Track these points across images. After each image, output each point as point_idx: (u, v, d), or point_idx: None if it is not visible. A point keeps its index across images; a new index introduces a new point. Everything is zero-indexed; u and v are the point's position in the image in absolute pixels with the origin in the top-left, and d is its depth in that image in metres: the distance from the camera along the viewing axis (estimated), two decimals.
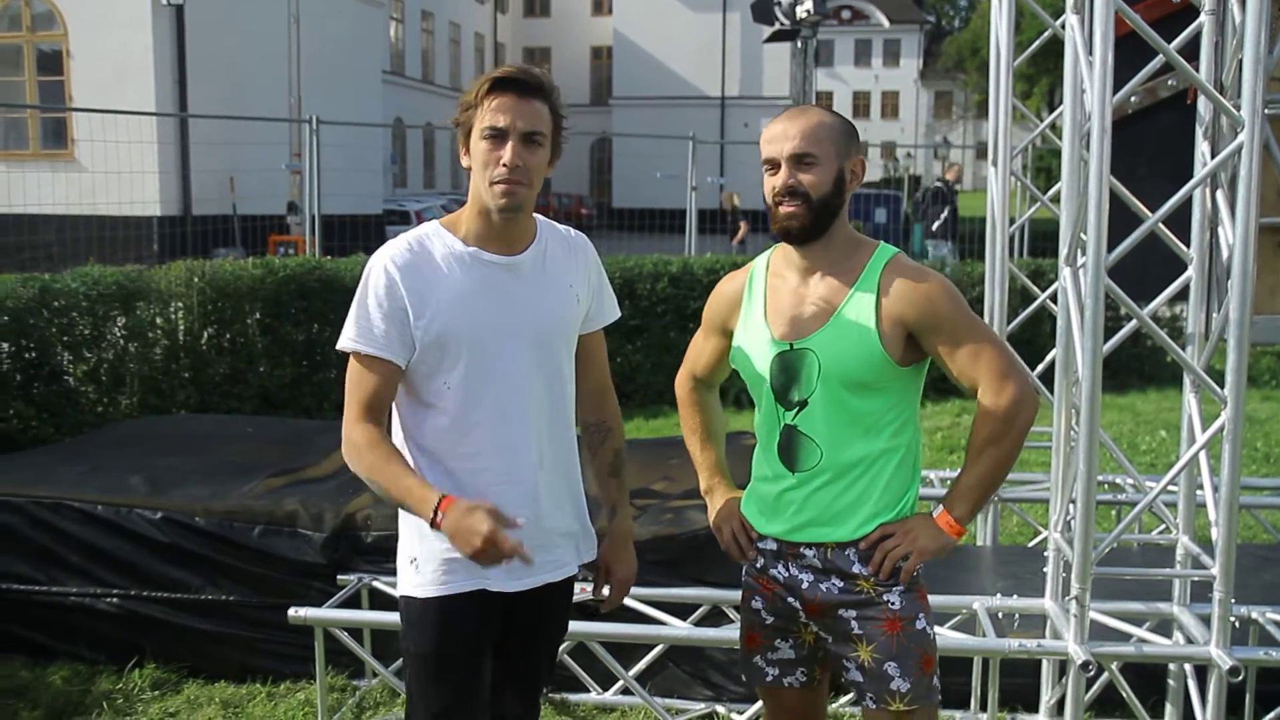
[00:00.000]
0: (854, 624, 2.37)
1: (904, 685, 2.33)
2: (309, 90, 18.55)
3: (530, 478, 2.38)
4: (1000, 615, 3.62)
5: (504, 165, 2.26)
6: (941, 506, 2.40)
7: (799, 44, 16.19)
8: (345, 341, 2.32)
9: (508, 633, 2.46)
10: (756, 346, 2.44)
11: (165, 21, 18.77)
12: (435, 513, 2.13)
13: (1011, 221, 4.70)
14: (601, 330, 2.56)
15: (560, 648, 2.80)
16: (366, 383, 2.30)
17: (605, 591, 2.60)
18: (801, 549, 2.41)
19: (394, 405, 2.38)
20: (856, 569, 2.37)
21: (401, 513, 2.37)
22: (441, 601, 2.33)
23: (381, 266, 2.30)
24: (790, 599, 2.44)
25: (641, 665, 3.76)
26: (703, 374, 2.69)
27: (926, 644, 2.38)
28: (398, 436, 2.39)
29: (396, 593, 2.44)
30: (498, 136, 2.26)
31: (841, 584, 2.38)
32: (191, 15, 18.91)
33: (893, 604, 2.36)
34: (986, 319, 4.61)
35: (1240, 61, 3.02)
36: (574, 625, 3.50)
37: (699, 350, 2.67)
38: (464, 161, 2.34)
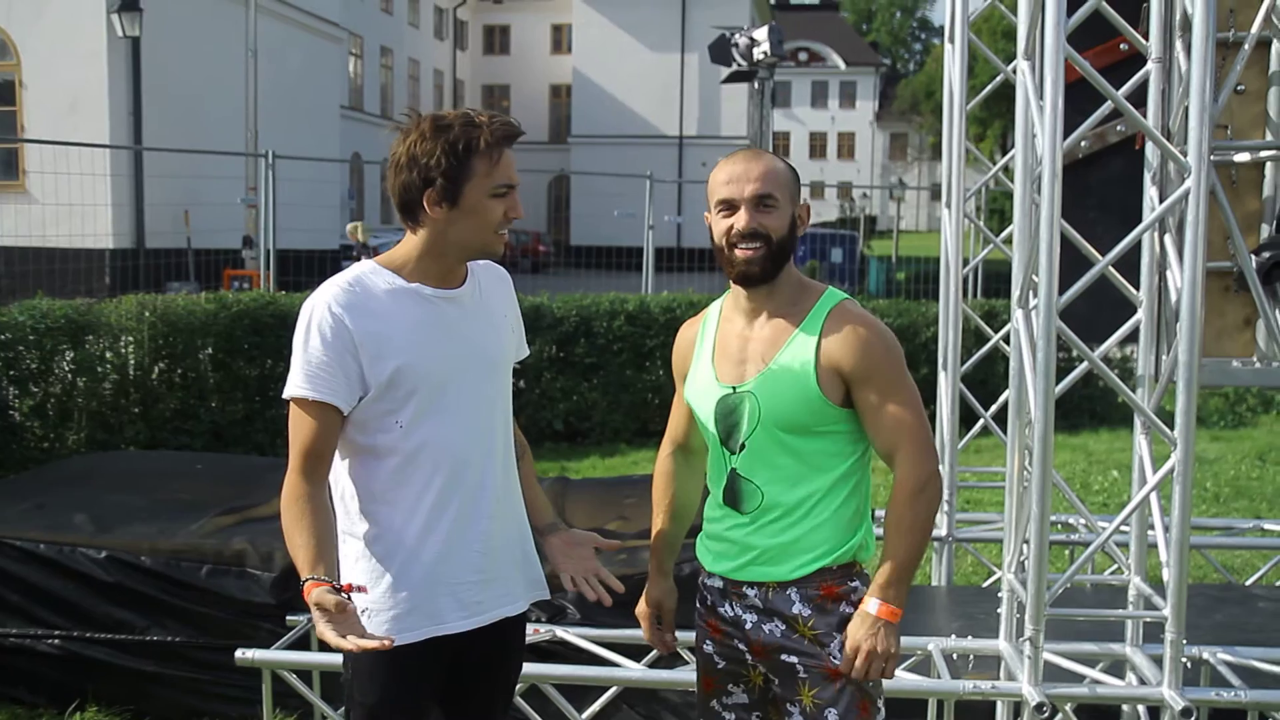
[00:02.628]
0: (799, 667, 2.37)
1: None
2: (266, 124, 18.46)
3: (486, 509, 2.36)
4: (955, 656, 3.62)
5: (515, 215, 2.32)
6: (879, 600, 2.30)
7: (756, 85, 16.40)
8: (292, 389, 2.25)
9: (459, 674, 2.42)
10: (703, 391, 2.44)
11: (120, 53, 18.63)
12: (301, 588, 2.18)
13: (965, 263, 4.75)
14: None
15: (516, 685, 2.75)
16: (309, 430, 2.24)
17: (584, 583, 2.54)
18: (744, 588, 2.42)
19: (339, 450, 2.31)
20: (796, 609, 2.37)
21: (351, 557, 2.33)
22: (393, 653, 2.26)
23: (325, 308, 2.24)
24: (737, 641, 2.44)
25: (595, 708, 3.71)
26: (680, 435, 2.64)
27: (867, 690, 2.37)
28: (344, 480, 2.34)
29: None
30: (509, 190, 2.31)
31: (783, 627, 2.38)
32: (147, 48, 18.78)
33: (834, 658, 2.35)
34: (940, 360, 4.64)
35: (1186, 109, 3.07)
36: (527, 667, 3.46)
37: (675, 409, 2.65)
38: (435, 214, 2.27)
